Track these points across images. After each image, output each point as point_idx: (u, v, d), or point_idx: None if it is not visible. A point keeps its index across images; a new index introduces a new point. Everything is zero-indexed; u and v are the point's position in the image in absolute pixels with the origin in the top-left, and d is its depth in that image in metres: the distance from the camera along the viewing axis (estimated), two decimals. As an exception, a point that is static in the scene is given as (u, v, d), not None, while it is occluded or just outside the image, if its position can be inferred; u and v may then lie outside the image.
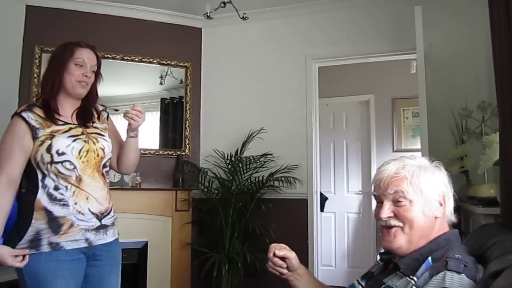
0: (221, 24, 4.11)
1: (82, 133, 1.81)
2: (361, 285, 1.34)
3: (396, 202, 1.21)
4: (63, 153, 1.73)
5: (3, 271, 2.70)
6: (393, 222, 1.21)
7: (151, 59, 4.07)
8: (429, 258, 1.15)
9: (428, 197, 1.19)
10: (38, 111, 1.78)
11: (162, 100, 4.15)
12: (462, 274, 1.05)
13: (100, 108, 2.00)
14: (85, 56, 1.84)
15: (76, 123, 1.84)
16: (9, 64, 3.60)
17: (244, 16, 3.38)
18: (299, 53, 3.98)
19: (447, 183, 1.24)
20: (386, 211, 1.21)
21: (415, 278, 1.13)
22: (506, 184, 1.84)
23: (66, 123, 1.80)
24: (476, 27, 3.22)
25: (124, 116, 1.88)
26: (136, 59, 4.00)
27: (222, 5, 3.24)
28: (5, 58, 3.58)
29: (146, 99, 4.13)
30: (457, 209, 1.28)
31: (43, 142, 1.72)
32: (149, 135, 4.03)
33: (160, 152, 4.02)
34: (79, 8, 3.84)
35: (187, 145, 4.13)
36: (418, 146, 3.62)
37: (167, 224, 3.73)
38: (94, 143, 1.82)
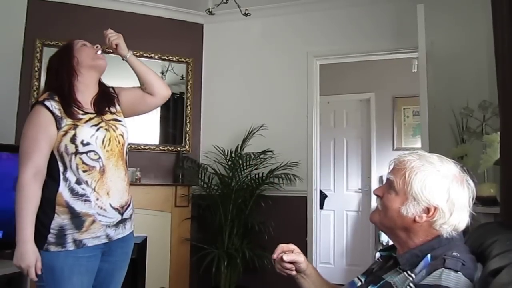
0: (223, 20, 4.09)
1: (102, 121, 1.79)
2: (361, 281, 1.34)
3: (389, 188, 1.24)
4: (88, 143, 1.70)
5: (3, 264, 2.71)
6: (378, 203, 1.28)
7: (152, 55, 4.07)
8: (429, 256, 1.15)
9: (413, 197, 1.18)
10: (60, 100, 1.74)
11: (163, 95, 4.14)
12: (459, 272, 1.04)
13: (109, 90, 1.97)
14: (86, 42, 1.88)
15: (94, 111, 1.81)
16: (10, 57, 3.59)
17: (246, 12, 3.37)
18: (301, 50, 3.97)
19: (456, 201, 1.17)
20: (379, 190, 1.28)
21: (413, 275, 1.13)
22: (506, 183, 1.84)
23: (86, 113, 1.78)
24: (478, 26, 3.21)
25: (109, 46, 1.91)
26: (137, 54, 3.97)
27: (224, 1, 3.23)
28: (6, 52, 3.57)
29: (146, 95, 4.12)
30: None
31: (66, 132, 1.69)
32: (150, 130, 4.02)
33: (160, 147, 4.02)
34: (81, 2, 3.83)
35: (187, 141, 4.13)
36: (419, 145, 3.63)
37: (167, 219, 3.73)
38: (114, 131, 1.81)
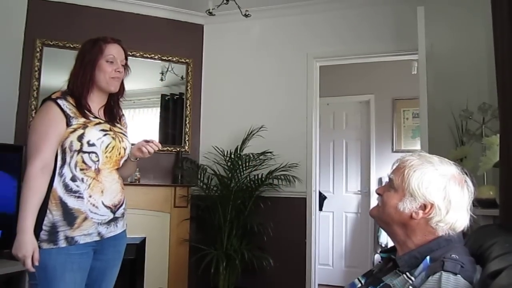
0: (223, 21, 4.09)
1: (110, 129, 1.85)
2: (361, 283, 1.34)
3: (388, 186, 1.28)
4: (93, 144, 1.75)
5: (2, 264, 2.70)
6: (378, 200, 1.32)
7: (153, 55, 4.06)
8: (428, 258, 1.15)
9: (410, 194, 1.21)
10: (71, 100, 1.79)
11: (163, 96, 4.15)
12: (458, 275, 1.04)
13: (121, 112, 2.02)
14: (115, 52, 1.87)
15: (104, 119, 1.87)
16: (10, 57, 3.59)
17: (247, 13, 3.38)
18: (301, 51, 3.97)
19: (452, 199, 1.18)
20: (380, 188, 1.32)
21: (412, 278, 1.13)
22: (505, 185, 1.84)
23: (96, 117, 1.83)
24: (478, 29, 3.22)
25: (143, 146, 1.89)
26: (137, 54, 3.99)
27: (225, 2, 3.24)
28: (6, 51, 3.57)
29: (146, 95, 4.13)
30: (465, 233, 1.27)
31: (75, 129, 1.73)
32: (149, 131, 4.03)
33: (160, 148, 4.00)
34: (81, 2, 3.82)
35: (186, 142, 4.13)
36: (418, 147, 3.63)
37: (166, 220, 3.73)
38: (119, 141, 1.87)
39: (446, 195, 1.19)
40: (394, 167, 1.29)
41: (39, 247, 1.66)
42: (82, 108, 1.79)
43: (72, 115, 1.75)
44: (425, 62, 2.99)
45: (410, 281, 1.13)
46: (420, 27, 2.99)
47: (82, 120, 1.76)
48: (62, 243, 1.68)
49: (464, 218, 1.21)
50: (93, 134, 1.76)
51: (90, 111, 1.82)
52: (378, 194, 1.32)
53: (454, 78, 3.35)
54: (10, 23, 3.62)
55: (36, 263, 1.63)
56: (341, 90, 5.21)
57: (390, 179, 1.28)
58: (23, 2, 3.66)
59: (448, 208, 1.18)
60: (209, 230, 3.81)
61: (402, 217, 1.22)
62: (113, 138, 1.83)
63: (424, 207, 1.19)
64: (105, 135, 1.80)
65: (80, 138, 1.73)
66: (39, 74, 3.65)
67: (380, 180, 4.96)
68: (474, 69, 3.26)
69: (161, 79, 4.14)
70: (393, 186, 1.25)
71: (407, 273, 1.16)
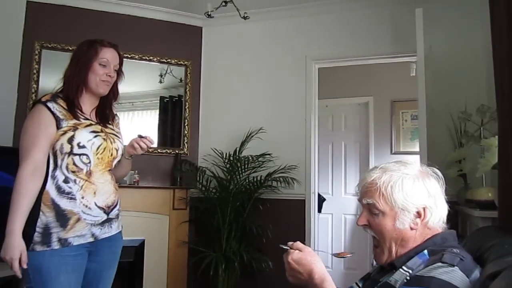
0: (221, 23, 4.10)
1: (101, 131, 1.85)
2: (359, 286, 1.34)
3: (370, 212, 1.24)
4: (83, 146, 1.76)
5: (1, 267, 2.69)
6: (369, 231, 1.25)
7: (151, 57, 4.06)
8: (425, 251, 1.17)
9: (401, 209, 1.20)
10: (62, 102, 1.79)
11: (161, 98, 4.15)
12: (455, 267, 1.05)
13: (115, 112, 2.03)
14: (109, 56, 1.88)
15: (95, 120, 1.88)
16: (8, 59, 3.59)
17: (245, 15, 3.38)
18: (300, 53, 3.98)
19: (434, 193, 1.21)
20: (362, 219, 1.26)
21: (410, 271, 1.14)
22: (504, 187, 1.84)
23: (87, 119, 1.84)
24: (477, 31, 3.23)
25: (136, 142, 1.92)
26: (136, 57, 3.99)
27: (223, 4, 3.24)
28: (5, 54, 3.57)
29: (145, 97, 4.13)
30: (453, 215, 1.28)
31: (65, 132, 1.74)
32: (148, 133, 4.01)
33: (159, 150, 4.01)
34: (80, 5, 3.83)
35: (185, 144, 4.12)
36: (417, 149, 3.63)
37: (164, 222, 3.72)
38: (111, 142, 1.87)
39: (428, 193, 1.21)
40: (364, 191, 1.26)
41: (33, 249, 1.67)
42: (74, 108, 1.80)
43: (62, 117, 1.75)
44: (423, 64, 2.99)
45: (407, 274, 1.13)
46: (418, 29, 2.99)
47: (72, 122, 1.77)
48: (56, 245, 1.69)
49: (445, 203, 1.24)
50: (83, 136, 1.77)
51: (81, 111, 1.83)
52: (363, 225, 1.26)
53: (452, 80, 3.35)
54: (9, 26, 3.62)
55: (24, 266, 1.63)
56: (340, 92, 5.22)
57: (369, 204, 1.23)
58: (22, 4, 3.67)
59: (436, 203, 1.21)
60: (208, 232, 3.81)
61: (403, 233, 1.21)
62: (104, 139, 1.84)
63: (418, 214, 1.20)
64: (95, 136, 1.81)
65: (70, 140, 1.74)
66: (38, 76, 3.66)
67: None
68: (473, 71, 3.27)
69: (160, 81, 4.14)
70: (380, 210, 1.21)
71: (403, 267, 1.17)
